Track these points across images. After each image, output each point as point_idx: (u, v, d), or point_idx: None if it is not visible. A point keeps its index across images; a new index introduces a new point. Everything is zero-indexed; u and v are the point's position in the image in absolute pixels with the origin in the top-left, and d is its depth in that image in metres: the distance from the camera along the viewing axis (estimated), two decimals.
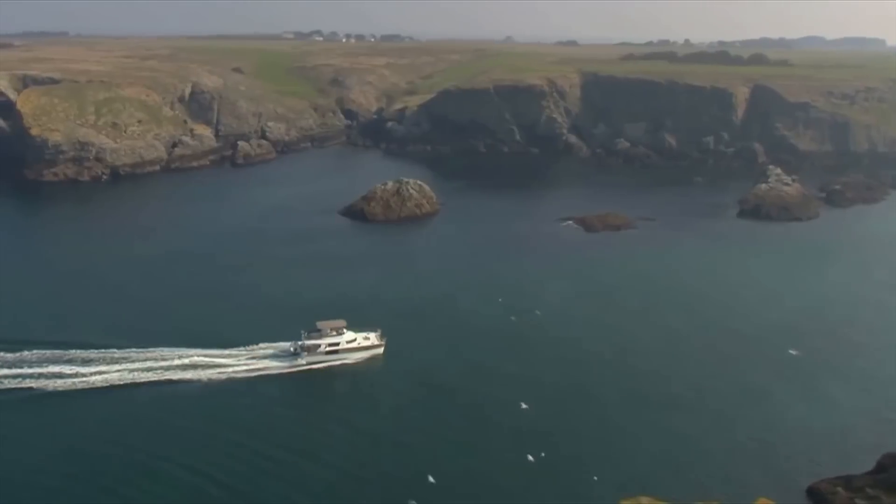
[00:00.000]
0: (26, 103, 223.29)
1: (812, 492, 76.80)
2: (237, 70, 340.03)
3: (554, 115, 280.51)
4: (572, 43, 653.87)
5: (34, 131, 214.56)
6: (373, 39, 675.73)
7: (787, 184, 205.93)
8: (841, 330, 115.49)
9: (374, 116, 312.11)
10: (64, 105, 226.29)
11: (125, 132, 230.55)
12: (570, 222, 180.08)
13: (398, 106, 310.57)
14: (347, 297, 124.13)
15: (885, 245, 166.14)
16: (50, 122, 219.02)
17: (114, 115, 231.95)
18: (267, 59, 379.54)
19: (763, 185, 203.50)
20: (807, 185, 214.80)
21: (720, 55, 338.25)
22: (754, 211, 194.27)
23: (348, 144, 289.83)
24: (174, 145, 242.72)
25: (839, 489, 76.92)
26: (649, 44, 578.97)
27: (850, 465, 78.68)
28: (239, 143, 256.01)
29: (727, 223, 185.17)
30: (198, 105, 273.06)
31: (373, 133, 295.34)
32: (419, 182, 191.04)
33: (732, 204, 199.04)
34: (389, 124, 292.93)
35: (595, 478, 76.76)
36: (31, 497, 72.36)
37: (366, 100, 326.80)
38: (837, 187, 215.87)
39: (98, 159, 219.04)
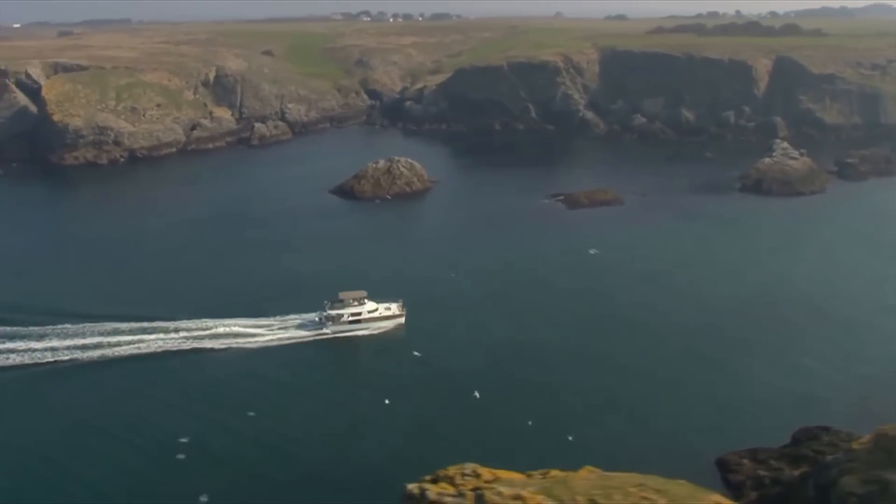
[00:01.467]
0: (51, 90, 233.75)
1: (720, 463, 77.49)
2: (267, 53, 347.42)
3: (570, 92, 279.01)
4: (621, 17, 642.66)
5: (56, 117, 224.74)
6: (420, 18, 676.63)
7: (793, 157, 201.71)
8: (785, 309, 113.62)
9: (397, 96, 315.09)
10: (86, 91, 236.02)
11: (144, 116, 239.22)
12: (557, 198, 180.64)
13: (419, 85, 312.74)
14: (334, 271, 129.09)
15: (879, 221, 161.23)
16: (72, 107, 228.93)
17: (133, 99, 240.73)
18: (299, 41, 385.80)
19: (767, 160, 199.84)
20: (825, 158, 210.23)
21: (751, 26, 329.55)
22: (755, 186, 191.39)
23: (366, 124, 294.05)
24: (193, 128, 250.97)
25: (745, 461, 77.83)
26: (698, 16, 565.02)
27: (768, 439, 78.67)
28: (255, 124, 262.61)
29: (721, 198, 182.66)
30: (222, 88, 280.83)
31: (393, 113, 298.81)
32: (410, 160, 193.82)
33: (737, 179, 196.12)
34: (407, 104, 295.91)
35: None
36: (93, 450, 79.32)
37: (390, 79, 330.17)
38: (851, 160, 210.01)
39: (116, 143, 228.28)
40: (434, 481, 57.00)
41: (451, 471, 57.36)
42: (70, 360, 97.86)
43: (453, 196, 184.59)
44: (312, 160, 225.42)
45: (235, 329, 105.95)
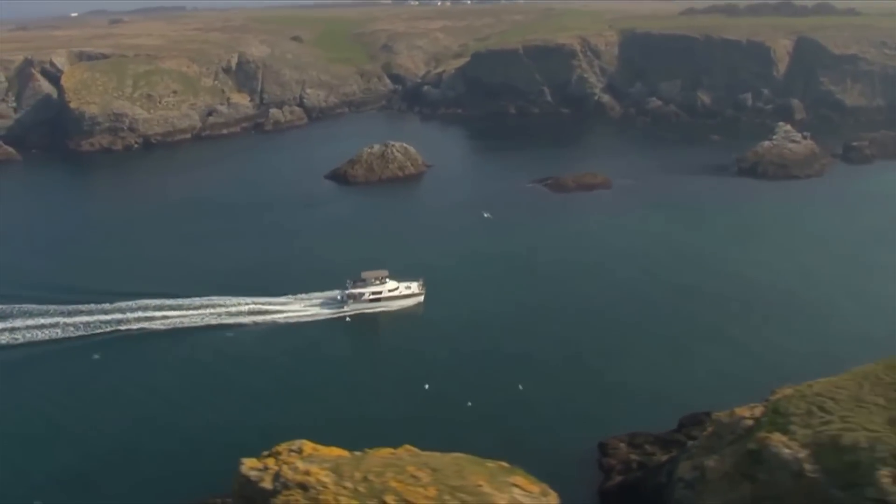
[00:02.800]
0: (70, 78, 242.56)
1: (601, 446, 78.96)
2: (296, 38, 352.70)
3: (585, 75, 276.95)
4: None
5: (73, 104, 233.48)
6: (469, 3, 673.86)
7: (794, 140, 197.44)
8: (726, 296, 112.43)
9: (419, 81, 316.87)
10: (104, 79, 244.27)
11: (160, 103, 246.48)
12: (544, 182, 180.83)
13: (439, 69, 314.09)
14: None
15: (862, 206, 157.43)
16: (88, 95, 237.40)
17: (150, 87, 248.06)
18: (332, 26, 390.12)
19: (766, 143, 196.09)
20: (838, 141, 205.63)
21: (783, 6, 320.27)
22: (751, 169, 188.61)
23: (385, 109, 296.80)
24: (210, 114, 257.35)
25: (622, 445, 79.03)
26: None
27: (660, 424, 79.18)
28: (271, 110, 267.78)
29: (712, 182, 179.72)
30: (244, 74, 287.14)
31: (412, 97, 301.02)
32: (405, 145, 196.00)
33: (735, 163, 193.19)
34: (425, 88, 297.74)
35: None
36: (121, 412, 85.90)
37: (413, 64, 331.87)
38: (856, 144, 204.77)
39: (131, 129, 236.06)
40: (268, 456, 59.87)
41: (282, 447, 59.92)
42: (112, 331, 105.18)
43: (443, 181, 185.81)
44: (319, 145, 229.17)
45: (262, 307, 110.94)
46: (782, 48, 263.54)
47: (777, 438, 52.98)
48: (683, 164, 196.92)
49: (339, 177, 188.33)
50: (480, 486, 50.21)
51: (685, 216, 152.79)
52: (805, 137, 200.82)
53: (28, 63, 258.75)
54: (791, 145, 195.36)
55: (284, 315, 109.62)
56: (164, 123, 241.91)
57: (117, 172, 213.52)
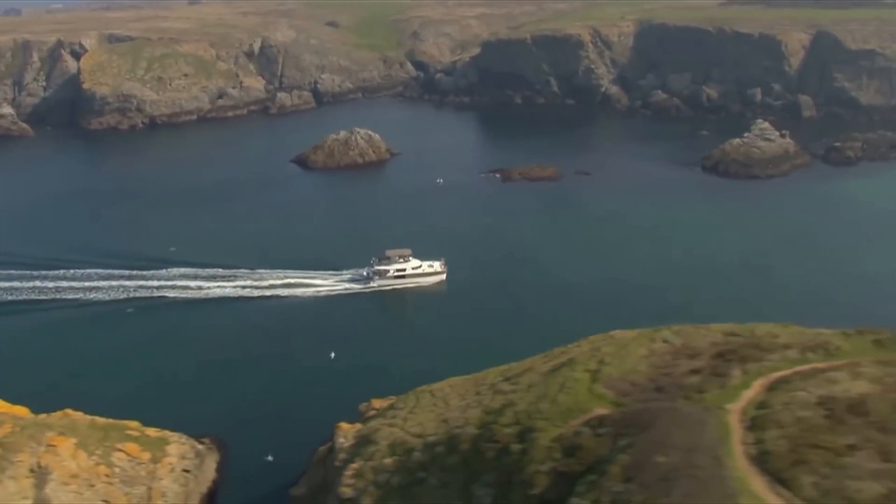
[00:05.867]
0: (88, 60, 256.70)
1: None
2: (332, 24, 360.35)
3: (593, 66, 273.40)
4: None
5: (86, 85, 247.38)
6: None
7: (768, 139, 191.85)
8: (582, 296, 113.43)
9: (439, 68, 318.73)
10: (119, 61, 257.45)
11: (170, 85, 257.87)
12: (494, 173, 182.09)
13: (455, 58, 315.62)
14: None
15: (803, 211, 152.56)
16: (102, 76, 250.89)
17: (162, 69, 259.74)
18: (372, 12, 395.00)
19: (736, 140, 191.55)
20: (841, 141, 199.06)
21: None
22: (714, 167, 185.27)
23: (398, 96, 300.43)
24: (220, 97, 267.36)
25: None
26: None
27: None
28: (278, 94, 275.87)
29: (668, 178, 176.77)
30: (265, 59, 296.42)
31: (429, 85, 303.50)
32: (370, 132, 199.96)
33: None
34: (438, 76, 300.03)
35: None
36: (171, 374, 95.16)
37: (438, 51, 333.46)
38: (838, 144, 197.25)
39: (139, 110, 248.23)
40: None
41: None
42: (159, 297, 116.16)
43: (397, 170, 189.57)
44: (305, 130, 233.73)
45: (296, 280, 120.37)
46: (796, 42, 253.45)
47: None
48: (654, 158, 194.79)
49: (301, 162, 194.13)
50: None
51: (613, 213, 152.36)
52: (783, 136, 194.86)
53: (59, 44, 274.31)
54: (762, 143, 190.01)
55: (317, 289, 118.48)
56: (172, 105, 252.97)
57: (118, 150, 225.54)
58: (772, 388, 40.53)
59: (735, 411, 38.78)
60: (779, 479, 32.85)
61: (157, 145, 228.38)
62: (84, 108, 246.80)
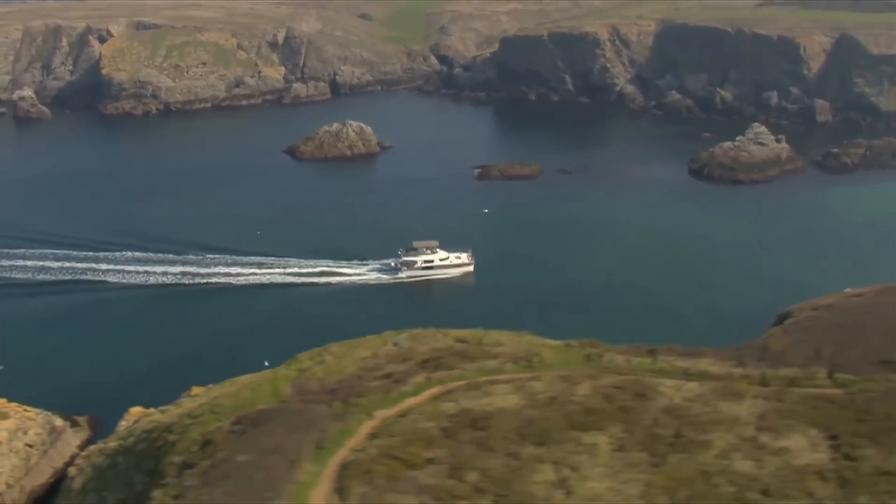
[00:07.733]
0: (109, 47, 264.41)
1: None
2: (364, 16, 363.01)
3: (609, 65, 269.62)
4: None
5: (105, 70, 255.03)
6: None
7: (761, 143, 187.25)
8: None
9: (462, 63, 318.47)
10: (139, 48, 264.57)
11: (187, 73, 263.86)
12: (475, 169, 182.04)
13: (477, 53, 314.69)
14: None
15: (773, 219, 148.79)
16: (121, 63, 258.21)
17: (181, 57, 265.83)
18: (409, 4, 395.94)
19: (726, 144, 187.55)
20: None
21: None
22: (699, 171, 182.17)
23: (414, 89, 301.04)
24: (237, 85, 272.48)
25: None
26: None
27: None
28: (294, 84, 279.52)
29: (651, 180, 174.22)
30: (289, 49, 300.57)
31: (449, 79, 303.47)
32: (361, 125, 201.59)
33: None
34: (457, 70, 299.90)
35: None
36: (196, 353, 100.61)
37: (464, 46, 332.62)
38: (835, 150, 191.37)
39: (154, 96, 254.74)
40: None
41: None
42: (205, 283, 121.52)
43: (386, 164, 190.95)
44: (307, 120, 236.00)
45: (326, 269, 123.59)
46: (816, 45, 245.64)
47: None
48: (644, 160, 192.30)
49: (292, 152, 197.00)
50: None
51: (561, 214, 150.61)
52: (778, 140, 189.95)
53: (88, 30, 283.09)
54: (753, 148, 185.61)
55: (347, 279, 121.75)
56: (187, 92, 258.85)
57: (124, 135, 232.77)
58: (436, 397, 40.35)
59: (378, 418, 38.80)
60: (339, 487, 32.87)
61: (164, 131, 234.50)
62: (102, 93, 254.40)
